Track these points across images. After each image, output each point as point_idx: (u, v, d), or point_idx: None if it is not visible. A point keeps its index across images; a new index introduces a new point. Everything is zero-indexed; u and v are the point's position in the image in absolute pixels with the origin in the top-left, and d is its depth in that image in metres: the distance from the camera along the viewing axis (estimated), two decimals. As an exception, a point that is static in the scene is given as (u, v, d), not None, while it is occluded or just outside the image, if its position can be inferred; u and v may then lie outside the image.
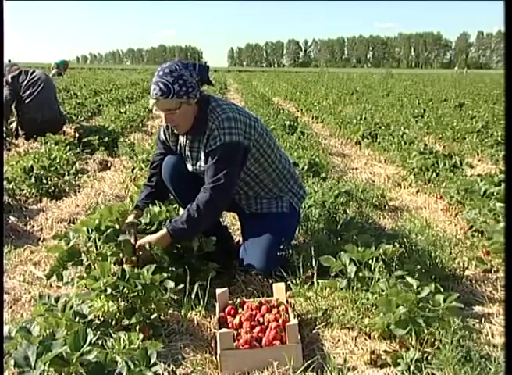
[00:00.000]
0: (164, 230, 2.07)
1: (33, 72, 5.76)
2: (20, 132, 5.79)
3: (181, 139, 2.32)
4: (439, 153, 4.39)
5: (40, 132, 5.26)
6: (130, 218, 2.24)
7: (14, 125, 5.85)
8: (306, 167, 3.95)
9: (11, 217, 3.10)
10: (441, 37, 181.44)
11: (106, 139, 5.38)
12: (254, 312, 1.84)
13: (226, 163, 2.09)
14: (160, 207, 2.29)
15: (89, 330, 1.43)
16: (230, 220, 3.02)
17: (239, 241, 2.64)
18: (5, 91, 5.42)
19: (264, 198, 2.37)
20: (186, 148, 2.29)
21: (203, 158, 2.21)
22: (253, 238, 2.29)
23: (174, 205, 2.41)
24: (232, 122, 2.11)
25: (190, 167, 2.31)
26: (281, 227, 2.33)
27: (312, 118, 8.74)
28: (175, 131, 2.27)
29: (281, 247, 2.28)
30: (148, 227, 2.19)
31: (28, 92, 5.55)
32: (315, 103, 10.15)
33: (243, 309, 1.89)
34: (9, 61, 6.30)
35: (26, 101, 5.54)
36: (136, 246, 2.07)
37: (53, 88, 5.92)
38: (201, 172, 2.23)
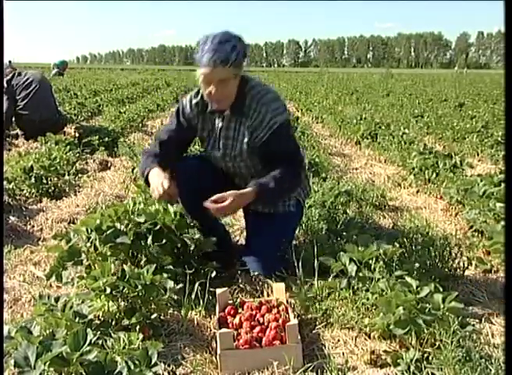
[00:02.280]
0: (250, 189, 2.03)
1: (27, 73, 5.74)
2: (20, 132, 5.80)
3: (216, 121, 2.20)
4: (439, 153, 4.39)
5: (40, 132, 5.26)
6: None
7: (18, 131, 5.85)
8: (306, 167, 3.95)
9: (11, 217, 3.09)
10: (441, 37, 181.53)
11: (106, 139, 5.38)
12: (254, 312, 1.84)
13: (291, 139, 2.18)
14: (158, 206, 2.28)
15: (89, 330, 1.43)
16: (230, 220, 3.02)
17: (237, 241, 2.65)
18: (4, 99, 5.41)
19: None
20: (223, 128, 2.19)
21: (246, 140, 2.14)
22: (257, 241, 2.27)
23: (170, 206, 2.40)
24: (279, 102, 2.14)
25: (218, 153, 2.22)
26: (285, 229, 2.33)
27: (312, 118, 8.74)
28: (208, 109, 2.16)
29: (282, 248, 2.28)
30: (142, 226, 2.17)
31: (23, 94, 5.53)
32: (315, 103, 10.16)
33: (243, 309, 1.89)
34: (10, 62, 6.27)
35: (22, 103, 5.52)
36: (217, 197, 1.99)
37: (49, 88, 5.86)
38: (234, 155, 2.17)
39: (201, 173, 2.24)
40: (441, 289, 1.74)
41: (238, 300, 1.97)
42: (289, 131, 2.19)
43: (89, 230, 2.12)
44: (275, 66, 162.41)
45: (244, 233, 2.83)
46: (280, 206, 2.31)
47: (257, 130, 2.11)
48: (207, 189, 2.09)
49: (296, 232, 2.70)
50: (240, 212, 2.65)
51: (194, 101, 2.21)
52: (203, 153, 2.41)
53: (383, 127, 6.43)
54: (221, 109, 2.14)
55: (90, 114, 8.16)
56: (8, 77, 5.59)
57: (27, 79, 5.62)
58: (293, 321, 1.71)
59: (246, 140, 2.14)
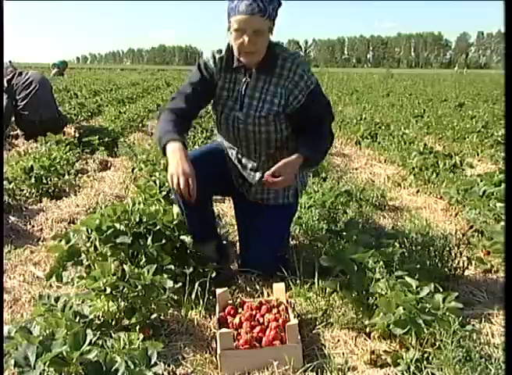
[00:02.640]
0: (299, 157, 1.99)
1: (27, 73, 5.73)
2: (20, 132, 5.80)
3: (241, 78, 2.09)
4: (439, 153, 4.39)
5: (40, 133, 5.26)
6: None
7: (19, 131, 5.85)
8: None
9: (11, 217, 3.09)
10: (441, 37, 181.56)
11: (106, 139, 5.38)
12: (254, 312, 1.84)
13: (325, 100, 2.18)
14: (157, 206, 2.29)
15: (89, 330, 1.44)
16: (230, 220, 3.02)
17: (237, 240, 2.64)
18: (4, 98, 5.41)
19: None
20: (249, 88, 2.08)
21: (273, 99, 2.06)
22: (258, 239, 2.23)
23: (170, 206, 2.40)
24: (308, 65, 2.13)
25: (240, 113, 2.10)
26: (283, 224, 2.31)
27: (312, 118, 8.73)
28: (234, 65, 2.06)
29: (282, 244, 2.28)
30: (142, 226, 2.17)
31: (23, 94, 5.52)
32: (315, 103, 10.14)
33: (243, 309, 1.89)
34: (10, 62, 6.24)
35: (22, 103, 5.52)
36: (273, 169, 1.96)
37: (49, 88, 5.85)
38: (258, 115, 2.07)
39: (202, 164, 2.04)
40: (441, 289, 1.74)
41: (238, 300, 1.97)
42: (322, 92, 2.16)
43: (89, 230, 2.12)
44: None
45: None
46: (280, 197, 2.25)
47: (294, 91, 2.04)
48: (206, 181, 2.01)
49: (297, 232, 2.71)
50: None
51: (218, 56, 2.10)
52: (214, 122, 2.28)
53: (383, 127, 6.44)
54: (249, 65, 2.05)
55: (90, 114, 8.16)
56: (9, 77, 5.59)
57: (27, 79, 5.61)
58: (293, 321, 1.71)
59: (278, 101, 2.06)
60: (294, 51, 2.17)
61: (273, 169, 1.96)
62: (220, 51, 2.12)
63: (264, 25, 1.92)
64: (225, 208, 3.32)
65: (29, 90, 5.54)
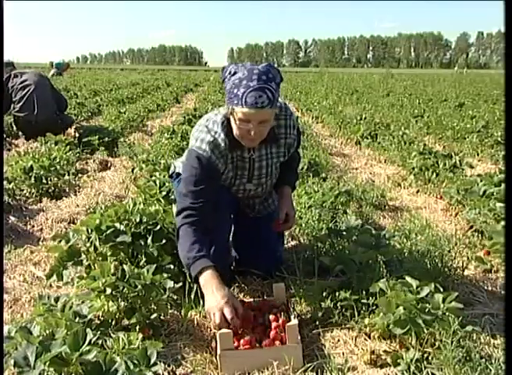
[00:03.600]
0: (288, 192, 2.23)
1: (24, 74, 5.72)
2: (20, 133, 5.80)
3: (244, 155, 2.02)
4: (439, 153, 4.39)
5: (39, 133, 5.26)
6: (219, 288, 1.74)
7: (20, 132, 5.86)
8: (306, 167, 3.95)
9: (11, 217, 3.10)
10: (441, 37, 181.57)
11: (106, 139, 5.38)
12: (254, 313, 1.84)
13: (299, 133, 2.23)
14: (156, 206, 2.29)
15: (88, 330, 1.44)
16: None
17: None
18: None
19: (269, 200, 2.30)
20: (255, 160, 2.04)
21: (278, 159, 2.10)
22: (260, 239, 2.24)
23: (169, 206, 2.40)
24: (284, 104, 2.11)
25: (250, 185, 2.11)
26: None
27: (312, 118, 8.75)
28: (229, 149, 1.95)
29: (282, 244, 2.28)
30: (142, 226, 2.17)
31: (19, 96, 5.54)
32: (315, 103, 10.15)
33: (243, 309, 1.88)
34: (12, 63, 6.23)
35: (18, 106, 5.53)
36: (281, 216, 2.17)
37: (47, 88, 5.79)
38: (268, 180, 2.14)
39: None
40: (441, 289, 1.74)
41: (238, 300, 1.97)
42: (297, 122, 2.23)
43: (89, 230, 2.12)
44: (276, 66, 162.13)
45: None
46: (269, 205, 2.32)
47: (294, 143, 2.15)
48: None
49: (297, 232, 2.71)
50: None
51: (214, 144, 1.92)
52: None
53: (383, 127, 6.43)
54: (252, 146, 1.98)
55: (90, 114, 8.16)
56: (5, 77, 5.59)
57: (23, 81, 5.61)
58: (293, 321, 1.71)
59: (282, 158, 2.13)
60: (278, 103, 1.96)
61: (281, 216, 2.14)
62: (213, 137, 1.92)
63: (271, 115, 1.85)
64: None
65: (24, 91, 5.54)
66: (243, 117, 1.80)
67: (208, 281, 1.75)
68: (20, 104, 5.52)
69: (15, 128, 5.82)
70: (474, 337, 1.70)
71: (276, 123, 2.00)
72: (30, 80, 5.64)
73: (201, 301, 1.97)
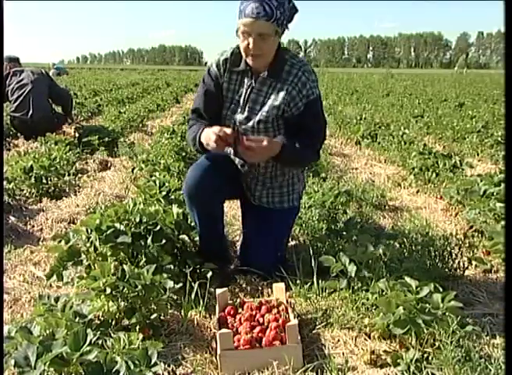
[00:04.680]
0: (278, 139, 2.02)
1: (22, 72, 5.69)
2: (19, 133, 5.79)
3: (245, 81, 2.10)
4: (439, 153, 4.39)
5: (35, 132, 5.25)
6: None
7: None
8: (306, 167, 3.95)
9: (11, 217, 3.10)
10: (441, 37, 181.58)
11: (106, 139, 5.38)
12: (254, 313, 1.84)
13: (321, 115, 2.12)
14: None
15: (89, 330, 1.43)
16: (230, 220, 3.02)
17: (237, 241, 2.65)
18: None
19: (276, 189, 2.25)
20: (253, 91, 2.09)
21: (273, 103, 2.05)
22: (261, 239, 2.24)
23: (169, 206, 2.40)
24: (316, 76, 2.09)
25: (241, 116, 2.12)
26: (288, 226, 2.33)
27: (312, 118, 8.73)
28: (238, 68, 2.07)
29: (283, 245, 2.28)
30: (142, 226, 2.17)
31: (15, 96, 5.53)
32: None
33: (243, 309, 1.88)
34: (17, 59, 6.18)
35: (14, 105, 5.53)
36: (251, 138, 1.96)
37: (43, 88, 5.72)
38: (258, 120, 2.08)
39: (214, 171, 2.10)
40: (441, 289, 1.74)
41: (238, 300, 1.97)
42: (321, 108, 2.13)
43: (89, 231, 2.12)
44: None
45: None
46: (285, 202, 2.27)
47: (295, 98, 2.03)
48: (219, 187, 2.09)
49: (297, 232, 2.71)
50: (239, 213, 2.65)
51: (223, 58, 2.10)
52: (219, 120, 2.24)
53: (383, 127, 6.44)
54: (255, 68, 2.04)
55: (90, 114, 8.17)
56: (4, 74, 5.58)
57: (21, 80, 5.59)
58: (293, 321, 1.71)
59: (278, 105, 2.05)
60: (303, 59, 2.15)
61: (253, 138, 1.98)
62: (224, 53, 2.12)
63: (270, 29, 1.91)
64: (224, 209, 3.31)
65: (21, 91, 5.53)
66: (243, 29, 1.91)
67: (204, 131, 2.03)
68: (16, 104, 5.52)
69: (11, 127, 5.80)
70: (474, 337, 1.70)
71: (288, 69, 2.04)
72: (27, 79, 5.62)
73: (201, 301, 1.98)
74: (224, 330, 1.64)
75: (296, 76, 2.02)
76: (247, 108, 2.11)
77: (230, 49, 2.10)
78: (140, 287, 1.74)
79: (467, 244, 2.65)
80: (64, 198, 3.62)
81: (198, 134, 2.07)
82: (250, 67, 2.05)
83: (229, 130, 1.93)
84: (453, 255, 2.35)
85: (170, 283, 1.81)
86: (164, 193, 2.75)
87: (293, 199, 2.29)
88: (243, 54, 2.00)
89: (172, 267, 2.04)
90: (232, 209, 3.15)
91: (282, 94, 2.04)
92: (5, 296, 2.13)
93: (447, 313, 1.62)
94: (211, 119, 2.16)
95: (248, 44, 1.93)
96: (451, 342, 1.53)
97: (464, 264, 2.36)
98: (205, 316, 1.96)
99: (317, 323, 1.87)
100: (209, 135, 1.95)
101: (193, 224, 2.30)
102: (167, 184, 2.81)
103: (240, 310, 1.89)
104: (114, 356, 1.41)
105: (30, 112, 5.49)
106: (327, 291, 2.04)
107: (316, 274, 2.08)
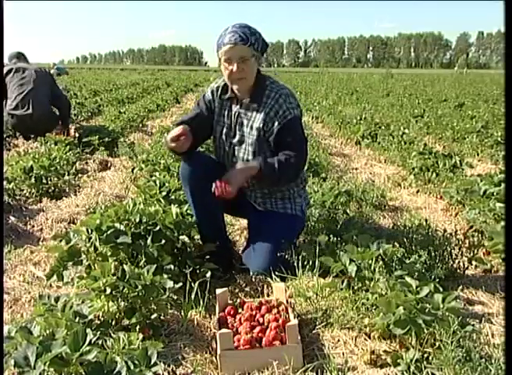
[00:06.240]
0: (254, 162, 2.16)
1: (26, 70, 5.63)
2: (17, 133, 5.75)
3: (233, 108, 2.31)
4: (439, 153, 4.39)
5: (34, 131, 5.22)
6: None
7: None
8: (306, 167, 3.95)
9: (11, 217, 3.10)
10: (441, 37, 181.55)
11: (106, 139, 5.38)
12: (254, 313, 1.84)
13: (299, 136, 2.24)
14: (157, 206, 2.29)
15: (89, 330, 1.43)
16: (230, 220, 3.02)
17: (237, 241, 2.65)
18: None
19: (278, 199, 2.39)
20: (240, 115, 2.29)
21: (258, 126, 2.22)
22: (258, 239, 2.27)
23: (169, 206, 2.40)
24: (294, 98, 2.27)
25: (234, 140, 2.30)
26: (288, 229, 2.34)
27: (312, 118, 8.74)
28: (227, 95, 2.28)
29: (283, 247, 2.28)
30: (142, 227, 2.18)
31: (16, 93, 5.48)
32: (315, 103, 10.16)
33: (243, 309, 1.88)
34: (23, 55, 6.10)
35: (14, 103, 5.46)
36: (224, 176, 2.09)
37: (44, 87, 5.67)
38: (248, 142, 2.25)
39: (209, 165, 2.30)
40: (441, 289, 1.74)
41: (238, 300, 1.97)
42: (300, 128, 2.26)
43: (89, 230, 2.12)
44: (275, 66, 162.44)
45: (244, 233, 2.84)
46: (288, 208, 2.38)
47: (273, 119, 2.19)
48: (211, 178, 2.17)
49: (296, 232, 2.71)
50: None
51: (216, 85, 2.35)
52: (213, 149, 2.50)
53: (383, 127, 6.44)
54: (240, 93, 2.24)
55: (90, 114, 8.16)
56: (7, 70, 5.55)
57: (23, 77, 5.54)
58: (293, 321, 1.71)
59: (261, 127, 2.21)
60: (282, 84, 2.31)
61: (227, 175, 2.09)
62: (218, 81, 2.37)
63: (249, 52, 2.14)
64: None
65: (22, 89, 5.47)
66: (224, 57, 2.14)
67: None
68: (16, 101, 5.45)
69: (9, 126, 5.66)
70: (474, 337, 1.70)
71: (268, 93, 2.22)
72: (29, 77, 5.57)
73: (201, 302, 1.98)
74: (224, 330, 1.64)
75: (273, 99, 2.21)
76: (237, 132, 2.31)
77: (223, 78, 2.31)
78: (140, 287, 1.74)
79: (467, 244, 2.64)
80: (64, 198, 3.62)
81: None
82: (235, 94, 2.27)
83: (177, 131, 2.14)
84: (453, 255, 2.35)
85: (170, 284, 1.81)
86: (164, 193, 2.75)
87: (295, 209, 2.40)
88: (228, 82, 2.23)
89: (172, 267, 2.04)
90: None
91: (261, 116, 2.22)
92: (5, 296, 2.13)
93: (447, 313, 1.62)
94: (195, 126, 2.30)
95: (232, 69, 2.14)
96: (451, 342, 1.53)
97: (464, 264, 2.36)
98: (205, 316, 1.96)
99: (317, 323, 1.87)
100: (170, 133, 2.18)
101: (193, 225, 2.31)
102: (167, 184, 2.81)
103: (240, 310, 1.89)
104: (114, 356, 1.41)
105: (30, 109, 5.43)
106: (327, 291, 2.04)
107: (316, 274, 2.08)
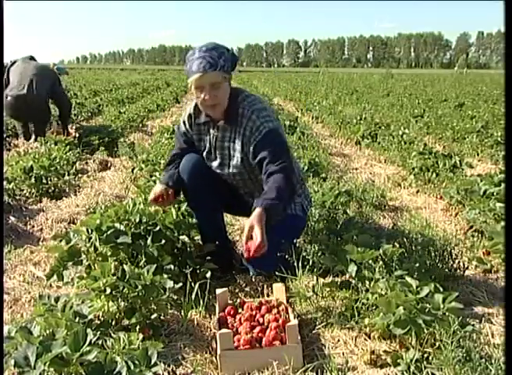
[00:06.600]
0: (257, 210, 1.93)
1: (30, 63, 5.59)
2: (19, 132, 5.71)
3: (210, 132, 2.25)
4: (439, 153, 4.39)
5: (25, 114, 5.19)
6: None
7: (18, 131, 5.73)
8: (306, 167, 3.95)
9: (11, 217, 3.10)
10: (441, 37, 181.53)
11: (106, 139, 5.38)
12: (254, 313, 1.84)
13: (279, 146, 2.12)
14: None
15: (89, 330, 1.43)
16: (230, 220, 3.02)
17: (237, 241, 2.64)
18: None
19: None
20: (218, 139, 2.24)
21: (239, 147, 2.18)
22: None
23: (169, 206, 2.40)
24: (269, 111, 2.19)
25: (217, 161, 2.27)
26: (288, 229, 2.33)
27: (312, 118, 8.74)
28: (201, 120, 2.23)
29: (283, 248, 2.28)
30: (142, 227, 2.17)
31: (16, 78, 5.40)
32: (315, 103, 10.16)
33: (243, 309, 1.89)
34: (32, 57, 6.09)
35: (12, 85, 5.38)
36: (244, 235, 1.89)
37: (45, 79, 5.54)
38: (232, 165, 2.22)
39: (204, 164, 2.29)
40: (441, 289, 1.74)
41: (238, 300, 1.97)
42: (279, 139, 2.14)
43: (89, 231, 2.12)
44: (275, 66, 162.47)
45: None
46: (288, 209, 2.32)
47: (250, 138, 2.13)
48: (210, 177, 2.21)
49: (296, 232, 2.70)
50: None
51: (187, 115, 2.29)
52: None
53: (383, 127, 6.44)
54: (215, 117, 2.18)
55: (90, 114, 8.16)
56: (12, 61, 5.51)
57: (25, 67, 5.48)
58: (293, 321, 1.71)
59: (240, 148, 2.17)
60: (255, 98, 2.22)
61: (244, 238, 1.89)
62: (187, 110, 2.32)
63: (219, 77, 2.05)
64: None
65: (22, 76, 5.39)
66: (194, 85, 2.06)
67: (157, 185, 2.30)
68: (14, 84, 5.37)
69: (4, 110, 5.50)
70: (474, 337, 1.70)
71: (241, 111, 2.16)
72: (32, 66, 5.52)
73: (201, 302, 1.98)
74: (224, 330, 1.65)
75: (246, 117, 2.14)
76: (218, 156, 2.27)
77: (191, 105, 2.28)
78: (140, 287, 1.74)
79: (467, 244, 2.65)
80: (64, 198, 3.62)
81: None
82: (210, 117, 2.21)
83: (158, 190, 2.22)
84: (453, 255, 2.35)
85: (170, 283, 1.81)
86: (164, 193, 2.75)
87: (295, 209, 2.35)
88: (202, 108, 2.17)
89: (172, 267, 2.04)
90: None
91: (240, 138, 2.17)
92: (5, 296, 2.13)
93: (447, 313, 1.62)
94: (182, 155, 2.33)
95: (204, 97, 2.07)
96: (451, 342, 1.53)
97: (464, 264, 2.36)
98: (205, 316, 1.96)
99: (317, 323, 1.87)
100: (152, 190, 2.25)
101: (193, 225, 2.31)
102: (167, 184, 2.81)
103: (240, 310, 1.89)
104: (114, 356, 1.41)
105: (25, 90, 5.32)
106: (327, 290, 2.04)
107: (316, 274, 2.08)
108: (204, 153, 2.30)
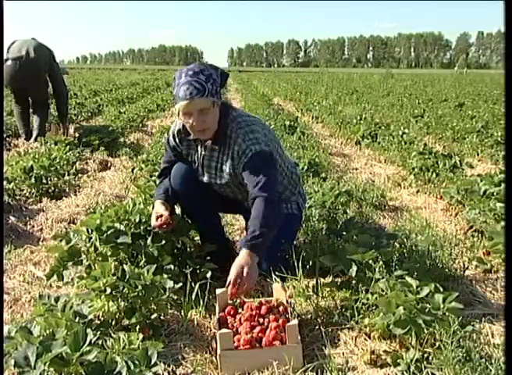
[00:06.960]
0: (243, 252, 1.90)
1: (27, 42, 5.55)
2: (21, 131, 5.69)
3: (198, 149, 2.24)
4: (439, 153, 4.39)
5: (21, 82, 5.15)
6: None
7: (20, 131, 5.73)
8: (306, 167, 3.95)
9: (11, 217, 3.10)
10: (441, 37, 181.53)
11: (106, 139, 5.38)
12: (254, 313, 1.84)
13: (264, 169, 2.06)
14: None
15: (89, 330, 1.44)
16: (230, 220, 3.02)
17: (237, 241, 2.64)
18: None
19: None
20: (205, 158, 2.23)
21: (227, 170, 2.17)
22: None
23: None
24: (256, 133, 2.12)
25: (205, 178, 2.27)
26: (286, 229, 2.33)
27: (312, 118, 8.74)
28: (190, 137, 2.20)
29: (282, 248, 2.28)
30: (141, 227, 2.18)
31: (15, 49, 5.38)
32: (315, 103, 10.16)
33: (243, 309, 1.88)
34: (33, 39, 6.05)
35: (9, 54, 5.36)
36: (232, 278, 1.85)
37: (45, 58, 5.52)
38: (219, 183, 2.23)
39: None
40: (441, 289, 1.74)
41: (238, 300, 1.97)
42: (266, 161, 2.09)
43: (89, 230, 2.12)
44: (275, 66, 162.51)
45: (244, 233, 2.83)
46: (283, 208, 2.33)
47: (238, 160, 2.12)
48: (202, 182, 2.23)
49: (296, 232, 2.71)
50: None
51: (176, 129, 2.25)
52: None
53: (383, 127, 6.44)
54: (205, 138, 2.15)
55: (90, 114, 8.16)
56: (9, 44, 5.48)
57: (24, 41, 5.47)
58: (293, 321, 1.71)
59: (228, 168, 2.17)
60: (246, 119, 2.17)
61: (228, 281, 1.85)
62: (176, 124, 2.27)
63: (207, 103, 2.00)
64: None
65: (20, 46, 5.38)
66: (182, 111, 2.02)
67: (157, 204, 2.23)
68: (15, 50, 5.34)
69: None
70: (474, 337, 1.70)
71: (229, 133, 2.13)
72: (31, 40, 5.50)
73: (201, 302, 1.98)
74: (224, 330, 1.64)
75: (233, 140, 2.12)
76: (205, 173, 2.26)
77: (179, 123, 2.23)
78: (140, 287, 1.74)
79: (467, 244, 2.65)
80: (64, 198, 3.62)
81: (154, 202, 2.28)
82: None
83: (165, 215, 2.14)
84: (453, 255, 2.35)
85: (170, 283, 1.81)
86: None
87: (291, 208, 2.36)
88: (191, 132, 2.13)
89: (172, 267, 2.04)
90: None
91: (229, 161, 2.16)
92: (5, 296, 2.13)
93: (447, 313, 1.62)
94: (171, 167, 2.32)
95: (192, 123, 2.03)
96: (451, 342, 1.53)
97: (464, 264, 2.36)
98: (205, 316, 1.96)
99: (317, 323, 1.87)
100: (154, 214, 2.17)
101: (193, 226, 2.32)
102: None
103: (240, 310, 1.89)
104: (114, 356, 1.41)
105: (24, 52, 5.29)
106: (327, 290, 2.04)
107: (316, 274, 2.08)
108: (194, 166, 2.28)
